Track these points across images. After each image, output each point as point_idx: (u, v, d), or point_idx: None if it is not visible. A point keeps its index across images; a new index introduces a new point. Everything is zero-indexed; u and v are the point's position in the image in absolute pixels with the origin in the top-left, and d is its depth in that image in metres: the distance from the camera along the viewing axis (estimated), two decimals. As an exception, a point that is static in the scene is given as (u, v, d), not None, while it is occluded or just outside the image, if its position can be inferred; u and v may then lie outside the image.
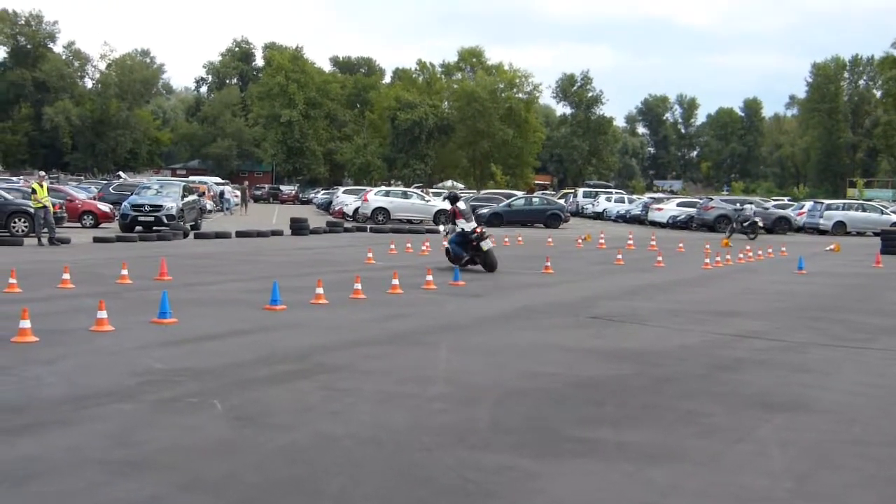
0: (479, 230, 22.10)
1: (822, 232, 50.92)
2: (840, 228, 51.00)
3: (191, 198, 38.71)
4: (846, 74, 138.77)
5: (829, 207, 53.79)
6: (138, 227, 33.71)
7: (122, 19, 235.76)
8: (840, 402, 8.89)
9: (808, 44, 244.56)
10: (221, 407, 8.03)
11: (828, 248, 35.58)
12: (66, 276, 16.67)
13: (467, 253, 22.08)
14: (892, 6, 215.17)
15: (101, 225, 37.26)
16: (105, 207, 38.93)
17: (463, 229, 22.11)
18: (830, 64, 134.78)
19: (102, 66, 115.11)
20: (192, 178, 78.26)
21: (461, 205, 22.81)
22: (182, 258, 23.48)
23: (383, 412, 8.04)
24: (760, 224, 43.48)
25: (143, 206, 34.61)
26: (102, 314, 11.87)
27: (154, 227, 33.43)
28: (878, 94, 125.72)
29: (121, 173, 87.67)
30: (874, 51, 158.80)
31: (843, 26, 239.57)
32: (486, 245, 21.87)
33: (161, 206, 34.58)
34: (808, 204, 58.75)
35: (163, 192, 37.01)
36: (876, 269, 26.33)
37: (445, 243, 23.03)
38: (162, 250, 25.36)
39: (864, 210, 54.49)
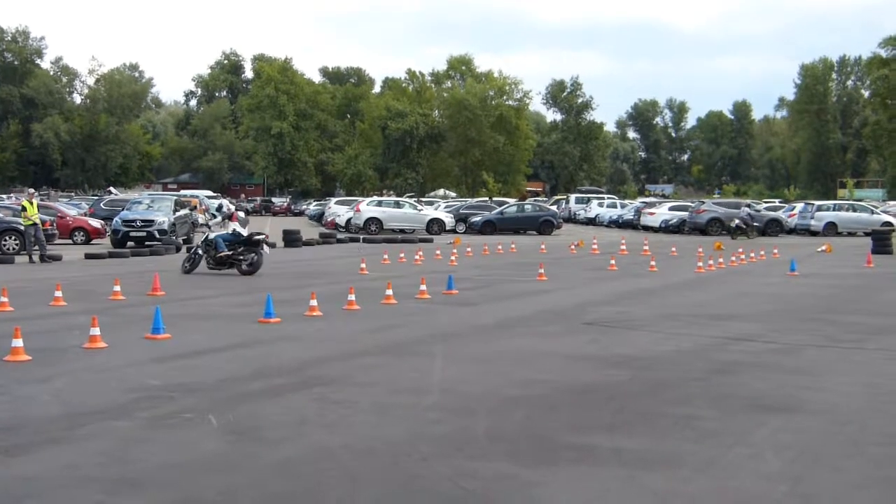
0: (263, 237, 23.62)
1: (814, 233, 50.95)
2: (831, 229, 51.05)
3: (182, 212, 38.67)
4: (834, 75, 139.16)
5: (819, 208, 53.85)
6: (130, 243, 33.65)
7: (110, 34, 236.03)
8: (834, 403, 8.91)
9: (796, 45, 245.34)
10: (217, 422, 8.03)
11: (819, 250, 35.65)
12: (58, 293, 16.64)
13: (230, 251, 22.98)
14: (880, 6, 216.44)
15: (93, 241, 37.14)
16: (96, 223, 38.80)
17: (239, 232, 23.20)
18: (818, 65, 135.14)
19: (91, 81, 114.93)
20: (183, 192, 78.20)
21: (241, 213, 24.60)
22: (175, 273, 23.45)
23: (379, 423, 8.05)
24: (737, 224, 46.29)
25: (134, 221, 34.54)
26: (95, 331, 11.85)
27: (146, 242, 33.36)
28: (867, 94, 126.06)
29: (111, 189, 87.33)
30: (862, 51, 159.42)
31: (831, 27, 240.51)
32: (267, 249, 24.11)
33: (153, 220, 34.51)
34: (799, 205, 58.78)
35: (154, 206, 36.97)
36: (867, 270, 26.39)
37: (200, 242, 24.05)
38: (154, 265, 25.33)
39: (854, 210, 54.59)
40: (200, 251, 23.48)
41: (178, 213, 36.99)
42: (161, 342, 12.25)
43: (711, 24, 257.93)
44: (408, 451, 7.17)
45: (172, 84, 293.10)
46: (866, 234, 44.33)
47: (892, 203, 76.04)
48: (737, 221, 46.30)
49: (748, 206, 51.38)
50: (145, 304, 16.12)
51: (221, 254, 22.87)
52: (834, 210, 54.06)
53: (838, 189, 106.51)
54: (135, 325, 13.59)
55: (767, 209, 57.27)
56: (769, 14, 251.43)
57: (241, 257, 23.04)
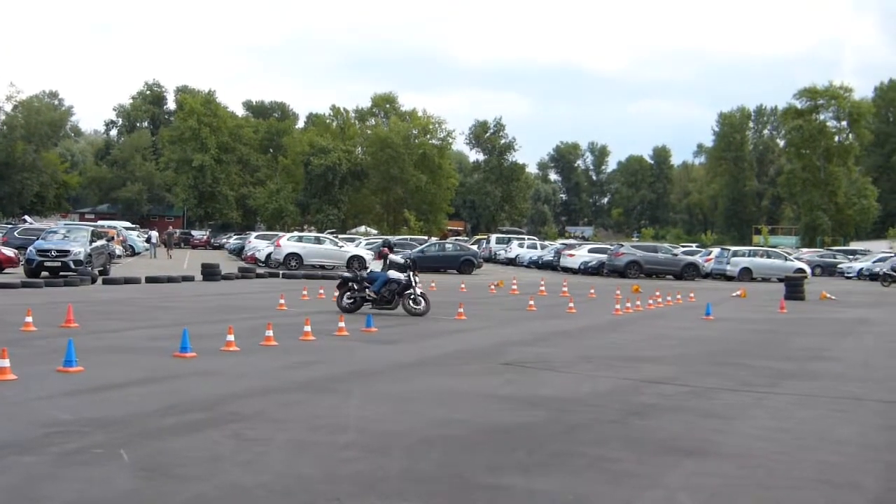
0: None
1: (729, 278, 51.91)
2: (746, 275, 52.04)
3: (99, 243, 38.09)
4: (751, 124, 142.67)
5: (735, 254, 54.91)
6: (44, 273, 33.04)
7: (30, 60, 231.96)
8: (746, 447, 9.04)
9: (714, 93, 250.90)
10: (128, 458, 7.88)
11: (734, 294, 36.27)
12: (-31, 323, 16.28)
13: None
14: (795, 59, 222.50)
15: (6, 270, 36.41)
16: (9, 252, 38.04)
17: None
18: (736, 114, 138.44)
19: (8, 107, 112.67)
20: (100, 222, 77.16)
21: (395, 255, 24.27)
22: (90, 304, 23.08)
23: (295, 461, 7.97)
24: (886, 272, 48.38)
25: (49, 250, 33.92)
26: (5, 363, 11.58)
27: (61, 273, 32.79)
28: (782, 143, 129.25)
29: (27, 217, 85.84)
30: (775, 100, 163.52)
31: (749, 77, 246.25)
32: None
33: (68, 250, 33.92)
34: (716, 250, 59.89)
35: (70, 236, 36.37)
36: (781, 315, 26.90)
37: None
38: (69, 296, 24.88)
39: (768, 257, 55.74)
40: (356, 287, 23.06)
41: (94, 244, 36.42)
42: (73, 375, 12.01)
43: (632, 69, 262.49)
44: (323, 489, 7.12)
45: (93, 113, 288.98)
46: (780, 280, 45.26)
47: (805, 250, 77.71)
48: (887, 269, 47.37)
49: None
50: (58, 336, 15.82)
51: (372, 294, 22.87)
52: (749, 256, 55.13)
53: (753, 235, 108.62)
54: (46, 358, 13.32)
55: (685, 253, 58.17)
56: (688, 61, 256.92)
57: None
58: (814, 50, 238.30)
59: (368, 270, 23.59)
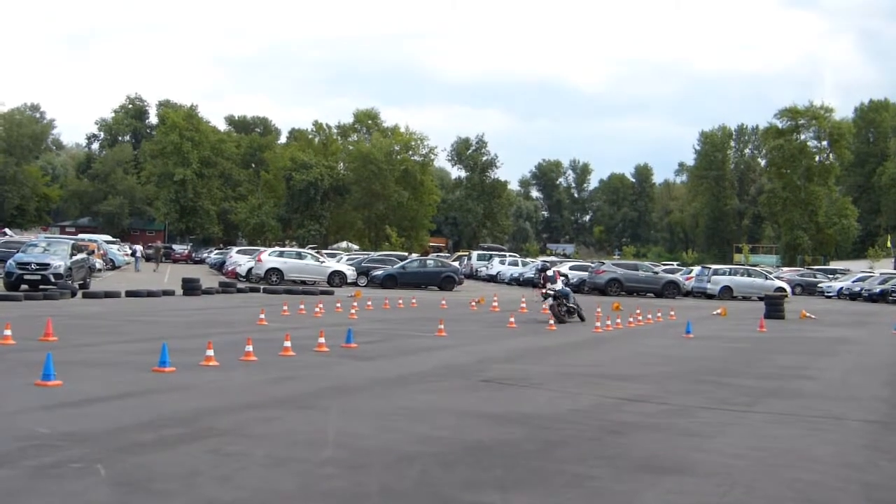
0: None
1: (710, 296, 52.03)
2: (726, 293, 52.18)
3: (80, 256, 37.90)
4: (732, 143, 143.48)
5: (716, 272, 55.07)
6: (24, 286, 32.84)
7: (11, 73, 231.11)
8: (724, 465, 9.06)
9: (696, 112, 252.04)
10: (106, 472, 7.84)
11: (715, 313, 36.35)
12: (-54, 336, 16.16)
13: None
14: (775, 78, 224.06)
15: (-15, 283, 36.18)
16: (-11, 265, 37.80)
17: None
18: (717, 132, 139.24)
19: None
20: (81, 235, 76.86)
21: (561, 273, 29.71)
22: (69, 318, 22.95)
23: (273, 477, 7.95)
24: None
25: (29, 264, 33.70)
26: (-17, 376, 11.52)
27: (41, 286, 32.58)
28: (763, 162, 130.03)
29: (7, 230, 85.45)
30: (759, 120, 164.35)
31: (730, 95, 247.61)
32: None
33: (48, 264, 33.70)
34: (696, 269, 60.06)
35: (50, 249, 36.15)
36: (760, 334, 26.97)
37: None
38: (48, 310, 24.74)
39: (749, 275, 55.89)
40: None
41: (74, 258, 36.24)
42: (51, 389, 11.94)
43: (614, 87, 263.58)
44: (300, 505, 7.11)
45: (74, 127, 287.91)
46: (760, 299, 45.36)
47: (785, 269, 78.03)
48: None
49: None
50: (36, 350, 15.71)
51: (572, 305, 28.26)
52: (730, 275, 55.29)
53: (734, 254, 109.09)
54: (25, 371, 13.24)
55: (665, 271, 58.30)
56: (670, 79, 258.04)
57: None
58: (794, 69, 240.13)
59: (559, 289, 28.00)
